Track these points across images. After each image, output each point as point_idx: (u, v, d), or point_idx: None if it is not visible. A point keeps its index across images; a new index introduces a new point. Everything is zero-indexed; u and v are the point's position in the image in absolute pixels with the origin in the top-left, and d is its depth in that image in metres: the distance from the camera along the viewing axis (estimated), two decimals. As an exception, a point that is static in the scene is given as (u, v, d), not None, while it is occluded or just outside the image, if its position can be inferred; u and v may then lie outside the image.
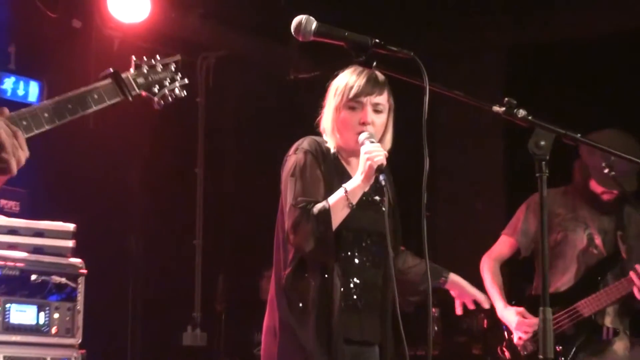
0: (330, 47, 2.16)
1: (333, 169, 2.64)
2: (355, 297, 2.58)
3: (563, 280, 3.68)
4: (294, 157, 2.63)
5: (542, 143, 1.92)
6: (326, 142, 2.69)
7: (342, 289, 2.54)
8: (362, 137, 2.55)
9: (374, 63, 2.14)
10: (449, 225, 5.72)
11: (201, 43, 5.60)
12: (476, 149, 5.84)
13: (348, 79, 2.63)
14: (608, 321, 3.64)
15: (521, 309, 3.65)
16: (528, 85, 5.33)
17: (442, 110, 5.10)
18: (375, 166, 2.46)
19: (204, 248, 5.82)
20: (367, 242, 2.64)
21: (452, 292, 2.89)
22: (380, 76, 2.64)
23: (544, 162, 1.93)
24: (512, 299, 3.77)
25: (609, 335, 3.60)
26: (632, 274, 3.48)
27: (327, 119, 2.68)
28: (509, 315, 3.65)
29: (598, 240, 3.69)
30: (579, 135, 2.04)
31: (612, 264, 3.67)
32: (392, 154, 2.62)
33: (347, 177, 2.63)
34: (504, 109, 2.01)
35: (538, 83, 5.35)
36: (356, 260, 2.61)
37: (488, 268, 3.80)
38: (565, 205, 3.74)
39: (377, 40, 2.11)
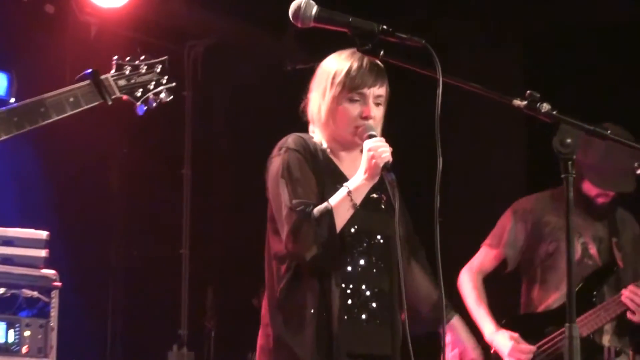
0: (332, 35, 2.16)
1: (324, 167, 2.63)
2: (359, 307, 2.57)
3: (555, 296, 3.63)
4: (279, 158, 2.62)
5: (568, 141, 1.92)
6: (313, 137, 2.68)
7: (343, 299, 2.54)
8: (364, 132, 2.56)
9: (381, 52, 2.13)
10: (464, 231, 5.69)
11: (188, 30, 5.58)
12: (495, 147, 5.79)
13: (348, 67, 2.60)
14: (607, 340, 3.61)
15: (516, 334, 3.57)
16: (549, 75, 5.30)
17: (457, 103, 5.06)
18: (381, 164, 2.46)
19: (192, 258, 5.81)
20: (372, 246, 2.63)
21: (447, 336, 2.72)
22: (380, 64, 2.62)
23: (570, 162, 1.94)
24: (497, 318, 3.68)
25: (611, 356, 3.56)
26: (624, 298, 3.46)
27: (318, 108, 2.65)
28: (502, 340, 3.56)
29: (593, 250, 3.66)
30: (609, 132, 2.04)
31: (608, 274, 3.64)
32: (401, 152, 2.60)
33: (338, 174, 2.64)
34: (525, 102, 2.01)
35: (561, 72, 5.32)
36: (360, 267, 2.60)
37: (471, 284, 3.71)
38: (555, 212, 3.69)
39: (384, 27, 2.11)
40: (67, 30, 4.93)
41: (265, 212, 2.68)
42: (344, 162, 2.70)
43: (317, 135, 2.69)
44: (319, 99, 2.65)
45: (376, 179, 2.53)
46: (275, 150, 2.66)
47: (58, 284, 3.64)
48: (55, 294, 3.62)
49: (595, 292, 3.59)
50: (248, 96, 5.74)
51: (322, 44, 2.68)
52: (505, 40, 5.83)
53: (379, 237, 2.65)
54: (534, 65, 5.66)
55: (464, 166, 5.65)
